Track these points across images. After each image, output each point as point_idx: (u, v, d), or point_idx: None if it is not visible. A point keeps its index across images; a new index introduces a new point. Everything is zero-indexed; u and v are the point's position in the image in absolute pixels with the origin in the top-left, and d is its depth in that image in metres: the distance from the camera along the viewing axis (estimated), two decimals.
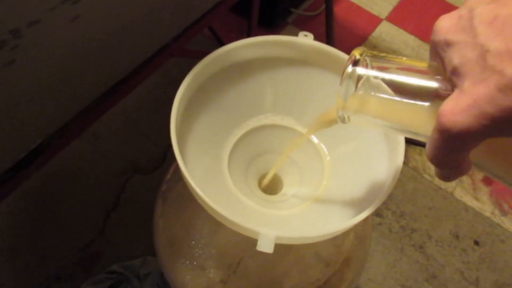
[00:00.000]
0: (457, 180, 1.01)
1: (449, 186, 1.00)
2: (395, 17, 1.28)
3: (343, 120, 0.29)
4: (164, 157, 0.97)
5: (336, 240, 0.55)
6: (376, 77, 0.26)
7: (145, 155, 0.96)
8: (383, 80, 0.26)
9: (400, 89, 0.26)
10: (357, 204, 0.37)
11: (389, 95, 0.26)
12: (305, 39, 0.40)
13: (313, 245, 0.53)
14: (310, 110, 0.44)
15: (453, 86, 0.22)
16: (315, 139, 0.44)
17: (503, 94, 0.20)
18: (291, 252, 0.50)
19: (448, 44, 0.22)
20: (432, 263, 0.91)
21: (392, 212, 0.96)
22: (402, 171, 1.00)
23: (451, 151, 0.23)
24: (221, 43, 1.06)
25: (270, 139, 0.45)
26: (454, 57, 0.22)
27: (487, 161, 0.26)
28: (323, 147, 0.44)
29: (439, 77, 0.24)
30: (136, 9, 0.43)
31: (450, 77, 0.22)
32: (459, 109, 0.21)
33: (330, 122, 0.33)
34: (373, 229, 0.92)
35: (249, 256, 0.49)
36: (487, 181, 1.02)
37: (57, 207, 0.88)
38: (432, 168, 1.02)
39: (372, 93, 0.27)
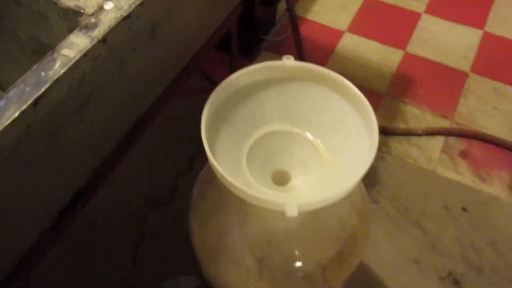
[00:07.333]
0: (437, 159, 1.13)
1: (431, 165, 1.12)
2: (355, 28, 1.42)
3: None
4: (176, 187, 1.06)
5: (342, 219, 0.65)
6: None
7: (158, 187, 1.05)
8: None
9: None
10: (353, 174, 0.48)
11: None
12: (289, 61, 0.52)
13: (324, 225, 0.63)
14: (302, 115, 0.56)
15: None
16: (309, 136, 0.56)
17: None
18: (308, 231, 0.61)
19: None
20: (430, 235, 1.01)
21: (385, 198, 1.07)
22: (387, 160, 1.13)
23: None
24: (209, 79, 1.19)
25: (275, 142, 0.56)
26: None
27: None
28: (318, 140, 0.55)
29: None
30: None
31: None
32: None
33: None
34: (371, 215, 1.03)
35: (272, 243, 0.60)
36: (463, 154, 1.14)
37: (88, 251, 0.94)
38: (414, 152, 1.14)
39: None
